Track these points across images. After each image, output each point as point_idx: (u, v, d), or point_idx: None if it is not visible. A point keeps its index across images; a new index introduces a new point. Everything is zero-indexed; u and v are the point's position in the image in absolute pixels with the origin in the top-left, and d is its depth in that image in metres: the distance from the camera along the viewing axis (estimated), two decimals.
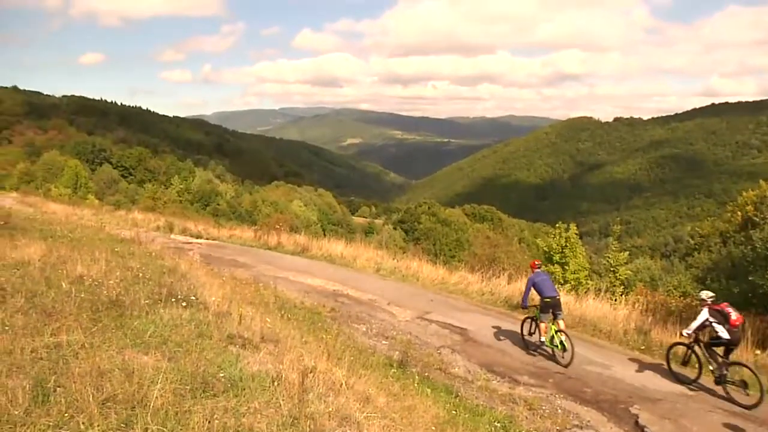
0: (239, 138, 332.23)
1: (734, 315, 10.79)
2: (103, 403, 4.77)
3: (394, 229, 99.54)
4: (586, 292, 19.08)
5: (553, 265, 24.89)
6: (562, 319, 13.17)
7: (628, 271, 25.69)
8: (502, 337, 14.89)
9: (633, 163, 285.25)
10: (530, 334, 13.84)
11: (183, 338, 7.06)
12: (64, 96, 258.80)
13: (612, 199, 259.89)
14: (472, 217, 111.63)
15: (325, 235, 39.83)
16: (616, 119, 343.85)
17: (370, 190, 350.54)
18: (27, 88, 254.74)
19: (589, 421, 10.14)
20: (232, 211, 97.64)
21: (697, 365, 11.73)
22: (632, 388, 11.59)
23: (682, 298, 19.85)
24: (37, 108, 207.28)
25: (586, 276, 24.49)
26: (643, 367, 12.85)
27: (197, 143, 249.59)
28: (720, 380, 10.97)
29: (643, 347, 14.26)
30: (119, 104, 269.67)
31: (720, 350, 11.06)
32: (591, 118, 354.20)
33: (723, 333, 10.78)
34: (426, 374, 11.88)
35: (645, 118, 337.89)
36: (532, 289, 13.41)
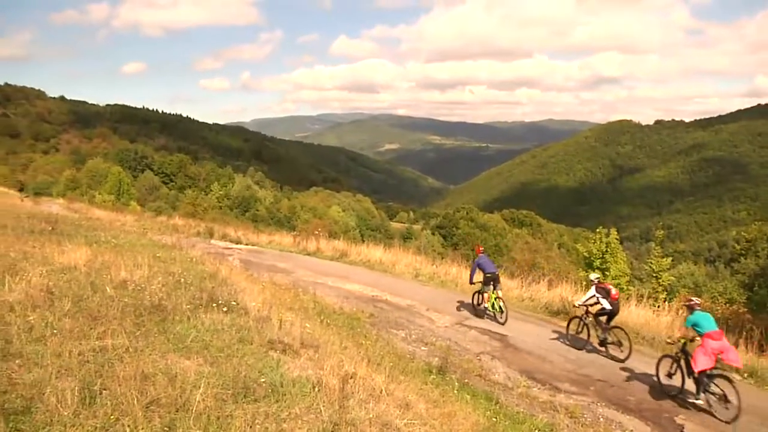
0: (278, 144, 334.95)
1: (614, 291, 13.74)
2: (147, 407, 4.83)
3: (433, 234, 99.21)
4: (627, 299, 18.74)
5: (594, 270, 24.57)
6: (500, 290, 16.81)
7: (671, 277, 25.23)
8: (542, 344, 14.71)
9: (675, 167, 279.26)
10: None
11: (224, 343, 7.13)
12: (107, 105, 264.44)
13: (653, 203, 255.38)
14: (510, 222, 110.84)
15: (363, 240, 39.93)
16: (657, 122, 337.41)
17: (408, 195, 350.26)
18: (73, 98, 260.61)
19: (632, 431, 9.96)
20: (271, 217, 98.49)
21: (586, 334, 14.33)
22: (678, 393, 11.31)
23: (728, 305, 19.40)
24: (82, 117, 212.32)
25: (627, 282, 24.13)
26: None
27: (236, 150, 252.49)
28: (603, 342, 13.77)
29: None
30: (160, 112, 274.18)
31: (604, 319, 13.76)
32: (631, 121, 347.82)
33: (606, 305, 13.56)
34: (465, 381, 11.79)
35: (687, 120, 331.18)
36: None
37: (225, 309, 8.71)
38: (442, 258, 30.25)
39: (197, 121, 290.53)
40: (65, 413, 4.50)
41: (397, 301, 19.25)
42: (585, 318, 14.40)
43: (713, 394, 10.39)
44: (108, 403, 4.78)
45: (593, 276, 14.67)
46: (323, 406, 5.58)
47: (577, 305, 14.42)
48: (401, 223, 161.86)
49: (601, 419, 10.35)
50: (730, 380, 10.29)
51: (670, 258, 25.16)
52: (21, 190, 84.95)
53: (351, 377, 6.69)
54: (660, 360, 11.85)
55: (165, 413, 4.81)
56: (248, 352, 6.98)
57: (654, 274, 23.40)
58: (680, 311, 16.14)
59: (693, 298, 11.46)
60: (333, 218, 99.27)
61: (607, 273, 24.06)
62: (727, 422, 10.02)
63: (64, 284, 8.62)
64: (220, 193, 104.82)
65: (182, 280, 10.33)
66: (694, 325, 10.72)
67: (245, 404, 5.30)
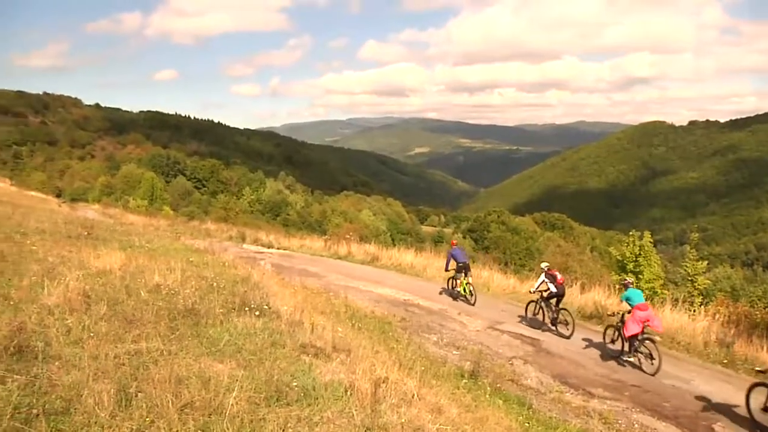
0: (308, 149, 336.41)
1: (559, 276, 16.26)
2: (181, 410, 4.89)
3: (464, 237, 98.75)
4: (662, 303, 18.47)
5: (627, 274, 24.24)
6: (470, 277, 19.69)
7: (707, 281, 24.72)
8: (575, 348, 14.59)
9: (709, 168, 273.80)
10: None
11: (257, 347, 7.19)
12: (141, 111, 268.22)
13: (687, 205, 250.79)
14: (542, 225, 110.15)
15: (394, 244, 39.98)
16: (691, 123, 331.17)
17: (439, 198, 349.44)
18: (108, 105, 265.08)
19: None
20: (302, 221, 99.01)
21: (541, 315, 16.68)
22: (715, 404, 11.07)
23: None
24: (116, 124, 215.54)
25: (661, 285, 23.72)
26: (726, 381, 12.31)
27: (267, 154, 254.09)
28: (554, 322, 16.04)
29: (725, 361, 13.62)
30: (192, 118, 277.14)
31: (553, 301, 16.10)
32: (664, 122, 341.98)
33: (553, 288, 15.97)
34: (498, 385, 11.74)
35: (722, 120, 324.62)
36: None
37: (257, 313, 8.78)
38: (474, 261, 30.15)
39: (228, 127, 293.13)
40: (102, 415, 4.58)
41: (428, 305, 19.27)
42: (539, 302, 16.68)
43: (641, 353, 12.96)
44: (143, 406, 4.86)
45: (543, 265, 17.12)
46: (355, 410, 5.60)
47: (531, 291, 16.86)
48: (432, 226, 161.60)
49: (636, 425, 10.23)
50: (653, 342, 12.92)
51: (706, 261, 24.64)
52: (59, 195, 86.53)
53: (383, 381, 6.70)
54: (605, 329, 14.43)
55: (199, 416, 4.86)
56: (280, 355, 7.03)
57: (689, 278, 22.96)
58: (716, 315, 15.88)
59: (627, 278, 14.96)
60: (364, 222, 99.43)
61: (640, 276, 23.70)
62: (651, 375, 12.53)
63: (99, 288, 8.77)
64: (252, 197, 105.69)
65: (215, 284, 10.44)
66: (627, 299, 13.34)
67: (278, 408, 5.34)
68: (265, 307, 9.26)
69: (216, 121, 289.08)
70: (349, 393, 6.02)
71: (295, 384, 5.98)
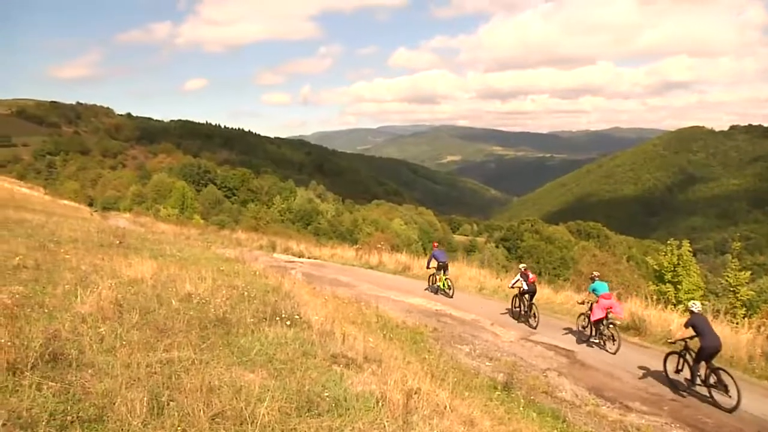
0: (339, 157, 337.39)
1: (531, 275, 18.66)
2: (212, 419, 4.95)
3: (497, 247, 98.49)
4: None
5: (665, 284, 23.88)
6: (448, 274, 22.77)
7: (751, 292, 24.23)
8: (611, 360, 14.41)
9: (752, 174, 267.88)
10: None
11: (288, 357, 7.24)
12: (171, 120, 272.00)
13: (728, 213, 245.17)
14: (577, 234, 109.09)
15: (426, 253, 39.85)
16: (732, 127, 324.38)
17: (471, 207, 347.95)
18: (139, 114, 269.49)
19: None
20: (333, 230, 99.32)
21: (519, 309, 19.05)
22: (762, 420, 10.75)
23: None
24: (147, 133, 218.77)
25: (701, 296, 23.32)
26: None
27: (298, 163, 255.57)
28: (528, 314, 18.39)
29: None
30: (223, 127, 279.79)
31: (527, 296, 18.46)
32: (703, 127, 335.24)
33: (524, 286, 18.41)
34: (531, 398, 11.66)
35: (765, 125, 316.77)
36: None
37: (288, 323, 8.83)
38: (507, 271, 29.99)
39: (259, 135, 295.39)
40: (135, 423, 4.65)
41: (460, 315, 19.23)
42: (516, 297, 19.30)
43: (604, 335, 15.60)
44: (175, 414, 4.92)
45: (521, 266, 19.63)
46: (387, 421, 5.61)
47: (509, 287, 19.52)
48: (464, 235, 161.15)
49: None
50: (615, 326, 15.57)
51: (749, 271, 24.14)
52: (91, 204, 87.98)
53: (415, 392, 6.70)
54: (578, 317, 17.11)
55: (230, 426, 4.92)
56: (312, 365, 7.07)
57: (731, 289, 22.58)
58: (761, 328, 15.53)
59: (594, 273, 17.48)
60: (395, 231, 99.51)
61: (679, 287, 23.37)
62: (613, 354, 14.91)
63: (131, 297, 8.90)
64: (283, 206, 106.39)
65: (246, 293, 10.53)
66: (593, 290, 15.97)
67: (309, 418, 5.37)
68: (296, 316, 9.32)
69: (246, 129, 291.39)
70: (380, 404, 6.03)
71: (326, 394, 6.01)
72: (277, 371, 6.61)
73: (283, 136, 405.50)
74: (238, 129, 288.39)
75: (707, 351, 11.68)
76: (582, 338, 16.42)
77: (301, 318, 9.34)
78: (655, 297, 19.72)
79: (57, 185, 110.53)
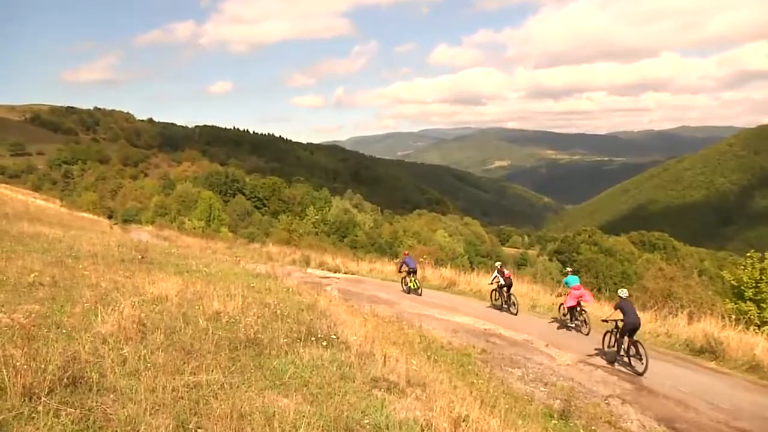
0: (377, 164, 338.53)
1: (506, 271, 23.33)
2: None
3: (550, 260, 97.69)
4: None
5: (745, 302, 23.27)
6: (416, 277, 27.07)
7: None
8: (683, 387, 14.07)
9: None
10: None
11: (324, 380, 7.24)
12: (196, 126, 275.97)
13: None
14: (640, 245, 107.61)
15: (473, 268, 39.64)
16: None
17: (522, 217, 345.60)
18: (161, 120, 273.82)
19: None
20: (371, 243, 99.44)
21: (499, 301, 23.72)
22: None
23: None
24: (170, 139, 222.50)
25: None
26: None
27: (333, 170, 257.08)
28: (506, 305, 23.12)
29: None
30: (251, 132, 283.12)
31: (504, 289, 23.14)
32: None
33: (501, 281, 22.97)
34: (592, 428, 11.47)
35: None
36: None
37: (324, 343, 8.86)
38: (561, 286, 29.65)
39: (290, 141, 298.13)
40: None
41: (511, 335, 19.07)
42: (495, 290, 24.01)
43: (577, 320, 19.99)
44: None
45: (498, 264, 24.84)
46: None
47: (489, 283, 24.16)
48: (514, 248, 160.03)
49: None
50: (585, 312, 19.89)
51: None
52: (110, 217, 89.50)
53: (463, 420, 6.65)
54: (559, 308, 21.49)
55: None
56: (350, 390, 7.06)
57: None
58: None
59: (568, 269, 23.92)
60: (439, 244, 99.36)
61: (763, 305, 22.77)
62: (586, 335, 19.23)
63: (155, 316, 9.00)
64: (317, 217, 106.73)
65: (278, 311, 10.58)
66: (566, 283, 20.66)
67: None
68: (333, 336, 9.33)
69: (277, 134, 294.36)
70: None
71: (366, 421, 5.99)
72: (312, 396, 6.61)
73: (316, 141, 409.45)
74: (268, 134, 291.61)
75: (629, 327, 15.88)
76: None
77: (338, 338, 9.35)
78: (733, 316, 19.17)
79: (74, 196, 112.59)
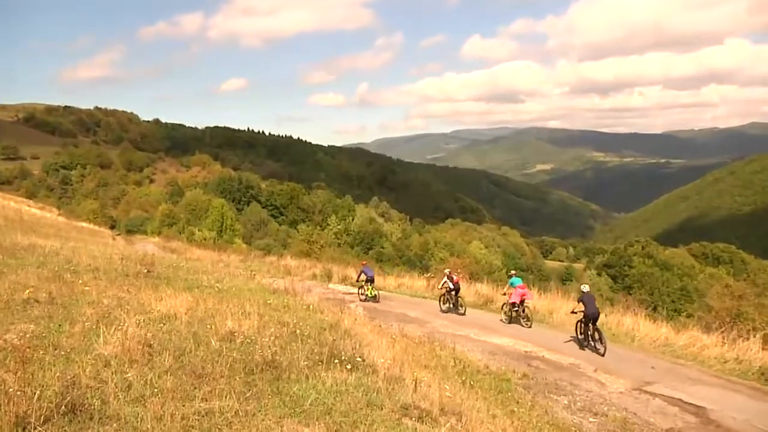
0: (405, 168, 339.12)
1: (455, 277, 27.28)
2: None
3: (599, 275, 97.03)
4: None
5: None
6: (374, 285, 29.97)
7: None
8: (757, 421, 13.75)
9: None
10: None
11: (349, 407, 7.21)
12: (207, 127, 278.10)
13: None
14: (702, 258, 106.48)
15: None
16: None
17: (566, 226, 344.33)
18: (168, 121, 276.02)
19: None
20: (399, 256, 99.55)
21: (450, 304, 27.02)
22: None
23: None
24: (179, 142, 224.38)
25: None
26: None
27: (357, 176, 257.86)
28: (454, 308, 26.69)
29: None
30: (267, 134, 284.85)
31: (453, 293, 26.77)
32: None
33: (450, 285, 26.63)
34: None
35: None
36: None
37: (349, 366, 8.83)
38: (612, 304, 29.42)
39: (310, 143, 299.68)
40: None
41: (556, 358, 18.94)
42: (444, 294, 27.42)
43: (520, 316, 24.26)
44: None
45: (446, 270, 29.55)
46: None
47: (438, 287, 28.32)
48: (558, 261, 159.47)
49: None
50: (528, 308, 24.36)
51: None
52: (113, 227, 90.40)
53: None
54: (502, 306, 25.57)
55: None
56: (378, 418, 7.03)
57: None
58: None
59: (512, 271, 28.50)
60: (474, 256, 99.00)
61: None
62: (528, 328, 23.50)
63: (163, 336, 9.03)
64: (339, 227, 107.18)
65: (298, 331, 10.58)
66: (511, 284, 25.01)
67: None
68: (358, 359, 9.31)
69: (295, 137, 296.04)
70: None
71: None
72: (336, 425, 6.59)
73: (338, 144, 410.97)
74: (285, 136, 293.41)
75: (590, 317, 20.12)
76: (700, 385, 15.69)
77: (364, 361, 9.33)
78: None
79: (73, 205, 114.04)
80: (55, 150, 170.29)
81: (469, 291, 31.50)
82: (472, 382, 13.18)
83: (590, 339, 20.38)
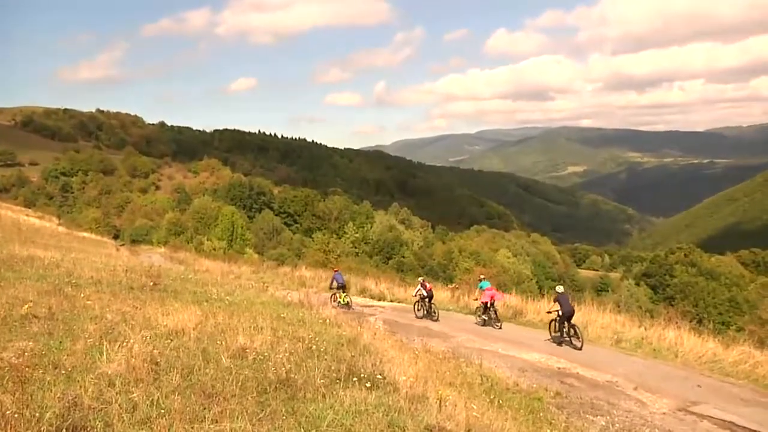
0: (427, 172, 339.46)
1: (428, 285, 29.65)
2: None
3: (637, 284, 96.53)
4: None
5: None
6: (346, 292, 31.98)
7: None
8: None
9: None
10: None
11: (369, 429, 7.18)
12: (215, 130, 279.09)
13: None
14: (753, 267, 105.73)
15: (543, 294, 39.32)
16: None
17: (601, 232, 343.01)
18: (175, 124, 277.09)
19: None
20: (421, 265, 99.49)
21: (424, 310, 29.07)
22: None
23: None
24: (185, 146, 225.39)
25: None
26: None
27: (375, 181, 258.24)
28: (428, 314, 28.77)
29: None
30: (279, 137, 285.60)
31: (426, 300, 28.88)
32: None
33: (423, 293, 28.85)
34: None
35: None
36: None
37: (368, 384, 8.82)
38: (653, 317, 29.18)
39: (325, 146, 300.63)
40: None
41: (592, 375, 18.79)
42: (419, 301, 29.45)
43: (489, 316, 26.53)
44: None
45: (420, 279, 32.36)
46: None
47: (413, 295, 30.50)
48: (593, 270, 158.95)
49: None
50: (497, 310, 26.89)
51: None
52: (116, 237, 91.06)
53: None
54: (476, 309, 28.27)
55: None
56: None
57: None
58: None
59: (482, 276, 33.57)
60: (501, 265, 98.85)
61: None
62: (499, 328, 25.93)
63: (170, 353, 9.04)
64: (357, 235, 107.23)
65: (314, 347, 10.60)
66: (480, 287, 27.55)
67: None
68: (379, 376, 9.30)
69: (309, 139, 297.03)
70: None
71: None
72: None
73: (355, 146, 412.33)
74: (299, 139, 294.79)
75: (565, 315, 22.60)
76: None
77: (384, 378, 9.32)
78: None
79: (74, 213, 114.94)
80: (54, 155, 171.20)
81: (496, 303, 31.43)
82: (500, 401, 13.12)
83: (567, 336, 23.12)
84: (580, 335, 22.60)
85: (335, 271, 34.50)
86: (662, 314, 30.77)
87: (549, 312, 24.26)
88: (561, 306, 22.92)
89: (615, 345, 23.24)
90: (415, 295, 30.02)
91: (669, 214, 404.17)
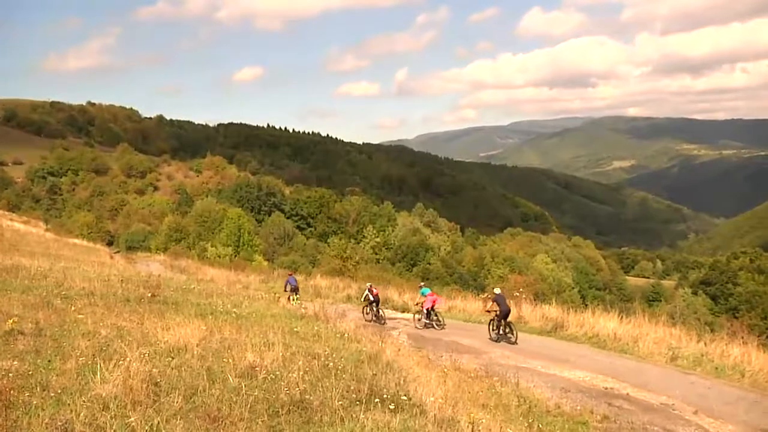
0: (454, 168, 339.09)
1: (375, 290, 33.38)
2: None
3: (695, 294, 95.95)
4: None
5: None
6: (298, 295, 35.86)
7: None
8: None
9: None
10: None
11: None
12: (219, 125, 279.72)
13: None
14: None
15: (586, 305, 39.20)
16: None
17: (651, 235, 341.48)
18: (174, 118, 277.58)
19: None
20: (449, 273, 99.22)
21: (372, 315, 32.48)
22: None
23: None
24: (186, 142, 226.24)
25: None
26: None
27: (397, 179, 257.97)
28: (376, 318, 32.37)
29: None
30: (290, 131, 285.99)
31: (374, 305, 32.84)
32: None
33: (370, 297, 32.73)
34: None
35: None
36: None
37: (392, 406, 8.80)
38: (714, 330, 28.93)
39: (341, 141, 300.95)
40: None
41: (643, 397, 18.67)
42: (366, 306, 32.92)
43: (432, 320, 30.80)
44: None
45: (368, 285, 34.61)
46: None
47: (362, 300, 33.63)
48: (643, 276, 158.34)
49: None
50: (439, 313, 31.54)
51: None
52: (110, 243, 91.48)
53: None
54: (414, 314, 32.54)
55: None
56: None
57: None
58: None
59: (421, 283, 36.80)
60: (539, 273, 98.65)
61: None
62: (442, 329, 30.06)
63: (172, 372, 9.07)
64: (377, 240, 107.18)
65: (331, 364, 10.60)
66: (422, 293, 31.94)
67: None
68: (403, 397, 9.28)
69: (323, 134, 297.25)
70: None
71: None
72: None
73: (374, 141, 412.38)
74: (312, 133, 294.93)
75: (503, 314, 26.39)
76: None
77: (409, 399, 9.30)
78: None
79: (63, 218, 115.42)
80: (41, 153, 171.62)
81: (534, 314, 31.31)
82: (540, 426, 13.06)
83: (503, 333, 26.97)
84: (515, 331, 26.76)
85: (290, 274, 39.63)
86: (725, 327, 30.41)
87: (488, 311, 28.49)
88: (499, 306, 27.10)
89: (670, 362, 22.92)
90: (364, 300, 33.59)
91: (730, 214, 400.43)
